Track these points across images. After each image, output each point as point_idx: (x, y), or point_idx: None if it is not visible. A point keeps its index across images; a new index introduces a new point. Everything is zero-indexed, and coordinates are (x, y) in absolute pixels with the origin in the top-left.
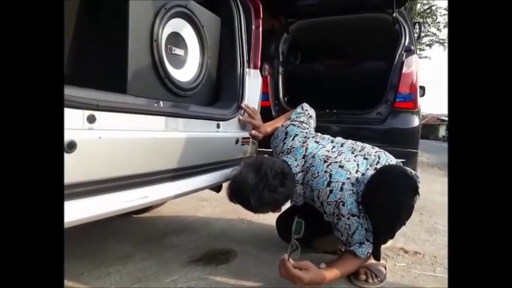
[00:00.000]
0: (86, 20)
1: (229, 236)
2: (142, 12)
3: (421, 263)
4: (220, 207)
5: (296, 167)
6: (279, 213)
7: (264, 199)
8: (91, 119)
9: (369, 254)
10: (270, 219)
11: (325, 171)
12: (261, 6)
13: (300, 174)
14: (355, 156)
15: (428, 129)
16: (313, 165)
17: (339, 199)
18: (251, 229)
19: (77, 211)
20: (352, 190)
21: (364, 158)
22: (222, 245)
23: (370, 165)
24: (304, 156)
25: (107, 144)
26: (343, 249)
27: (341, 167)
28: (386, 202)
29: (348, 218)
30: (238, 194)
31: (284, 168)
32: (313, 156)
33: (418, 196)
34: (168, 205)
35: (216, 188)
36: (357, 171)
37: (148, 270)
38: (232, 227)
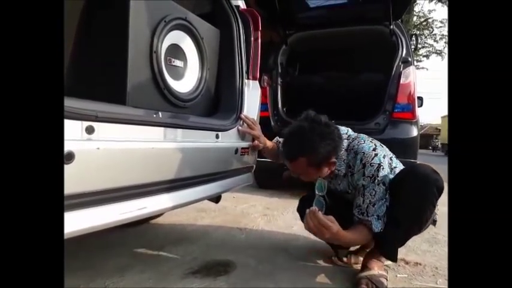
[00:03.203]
0: (86, 31)
1: (228, 247)
2: (142, 25)
3: (422, 274)
4: (219, 218)
5: (343, 134)
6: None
7: (315, 142)
8: (89, 130)
9: (381, 229)
10: (269, 228)
11: (371, 141)
12: (260, 18)
13: (345, 141)
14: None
15: (427, 140)
16: (359, 137)
17: (381, 163)
18: (250, 240)
19: (74, 222)
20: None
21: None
22: (221, 256)
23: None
24: (347, 135)
25: (105, 155)
26: (357, 218)
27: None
28: (414, 189)
29: (378, 184)
30: (291, 141)
31: (332, 124)
32: (357, 135)
33: (437, 207)
34: (167, 215)
35: (215, 198)
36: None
37: (146, 283)
38: (231, 237)
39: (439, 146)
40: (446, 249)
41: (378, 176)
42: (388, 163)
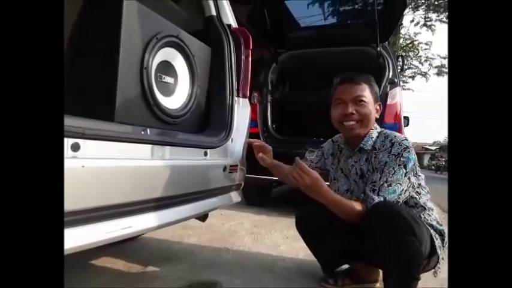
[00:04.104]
0: (77, 47)
1: (214, 267)
2: (134, 41)
3: None
4: (206, 236)
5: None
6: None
7: (370, 78)
8: (75, 147)
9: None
10: (256, 248)
11: None
12: (250, 37)
13: (378, 128)
14: None
15: None
16: None
17: (410, 147)
18: (237, 259)
19: None
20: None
21: None
22: (206, 276)
23: None
24: None
25: (90, 173)
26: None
27: None
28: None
29: (400, 165)
30: (352, 73)
31: None
32: None
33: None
34: (152, 232)
35: (202, 216)
36: None
37: None
38: (217, 257)
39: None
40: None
41: (402, 156)
42: (414, 162)
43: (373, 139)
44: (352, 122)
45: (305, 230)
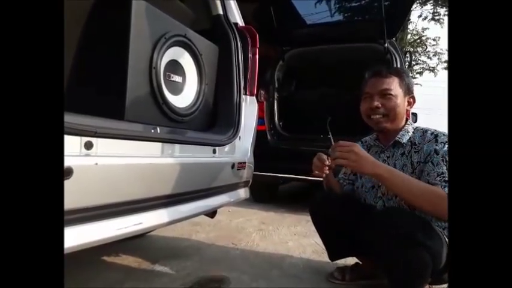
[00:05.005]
0: (86, 46)
1: (222, 263)
2: (142, 41)
3: None
4: (214, 232)
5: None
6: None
7: (402, 69)
8: (88, 146)
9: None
10: (263, 245)
11: None
12: (257, 35)
13: (411, 122)
14: None
15: None
16: None
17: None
18: (245, 256)
19: (70, 238)
20: None
21: None
22: (214, 272)
23: None
24: None
25: (103, 171)
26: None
27: None
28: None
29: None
30: (380, 67)
31: None
32: None
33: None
34: (161, 229)
35: (211, 213)
36: None
37: None
38: (225, 253)
39: None
40: None
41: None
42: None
43: (410, 134)
44: (378, 116)
45: (318, 214)
